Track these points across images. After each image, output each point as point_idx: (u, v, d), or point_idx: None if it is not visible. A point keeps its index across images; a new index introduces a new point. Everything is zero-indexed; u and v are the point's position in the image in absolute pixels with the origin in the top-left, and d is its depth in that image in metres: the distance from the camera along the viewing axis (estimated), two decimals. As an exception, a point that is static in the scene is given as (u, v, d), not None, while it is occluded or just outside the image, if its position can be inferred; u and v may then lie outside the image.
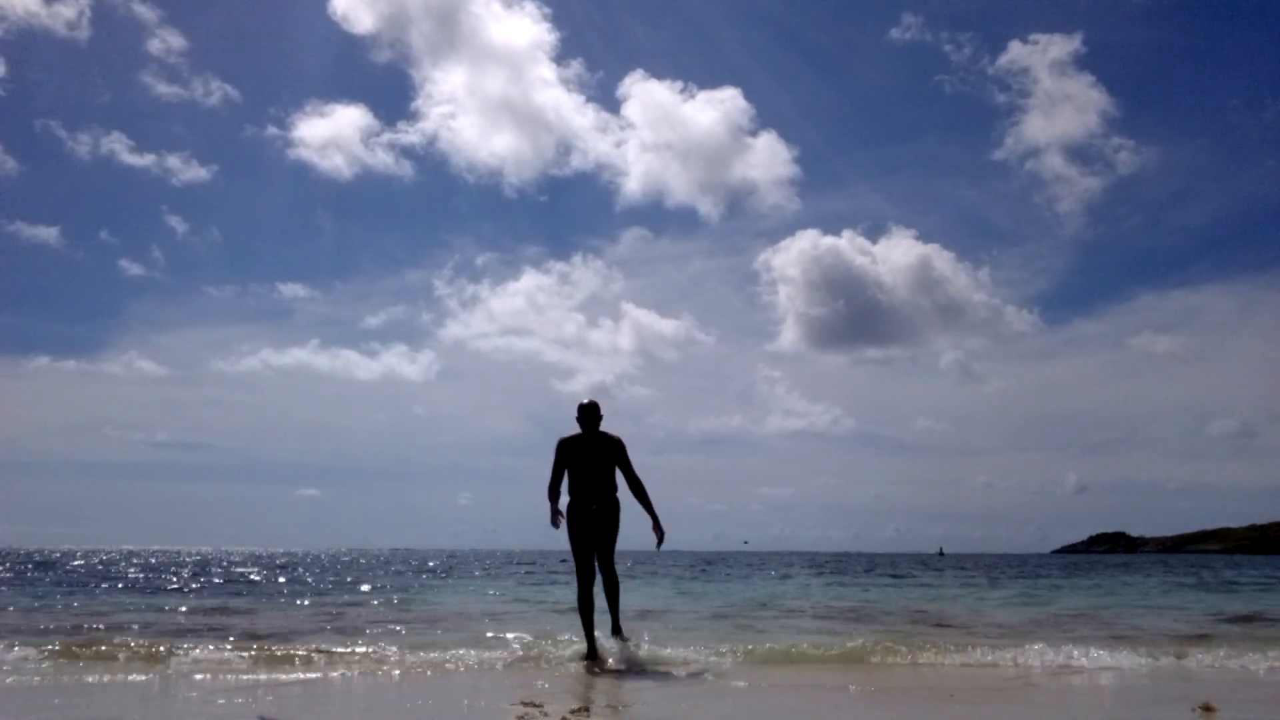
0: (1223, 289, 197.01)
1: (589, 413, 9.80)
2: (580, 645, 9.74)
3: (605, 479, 9.71)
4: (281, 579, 32.89)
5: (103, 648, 10.52)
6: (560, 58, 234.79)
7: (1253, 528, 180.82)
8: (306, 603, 20.47)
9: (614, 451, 9.81)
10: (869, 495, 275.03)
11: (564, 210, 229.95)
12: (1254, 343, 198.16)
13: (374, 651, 10.46)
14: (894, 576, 38.61)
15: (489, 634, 12.69)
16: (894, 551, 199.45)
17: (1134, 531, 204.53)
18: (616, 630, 9.87)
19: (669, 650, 10.05)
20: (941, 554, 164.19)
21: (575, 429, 9.84)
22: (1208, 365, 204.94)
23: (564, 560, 79.08)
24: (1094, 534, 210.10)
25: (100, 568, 44.03)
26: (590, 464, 9.70)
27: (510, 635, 12.31)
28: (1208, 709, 6.35)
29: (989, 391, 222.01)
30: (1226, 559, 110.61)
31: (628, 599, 11.62)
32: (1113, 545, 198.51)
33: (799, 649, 10.91)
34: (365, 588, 27.10)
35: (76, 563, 51.90)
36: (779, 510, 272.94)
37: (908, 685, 8.73)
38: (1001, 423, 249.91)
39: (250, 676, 8.98)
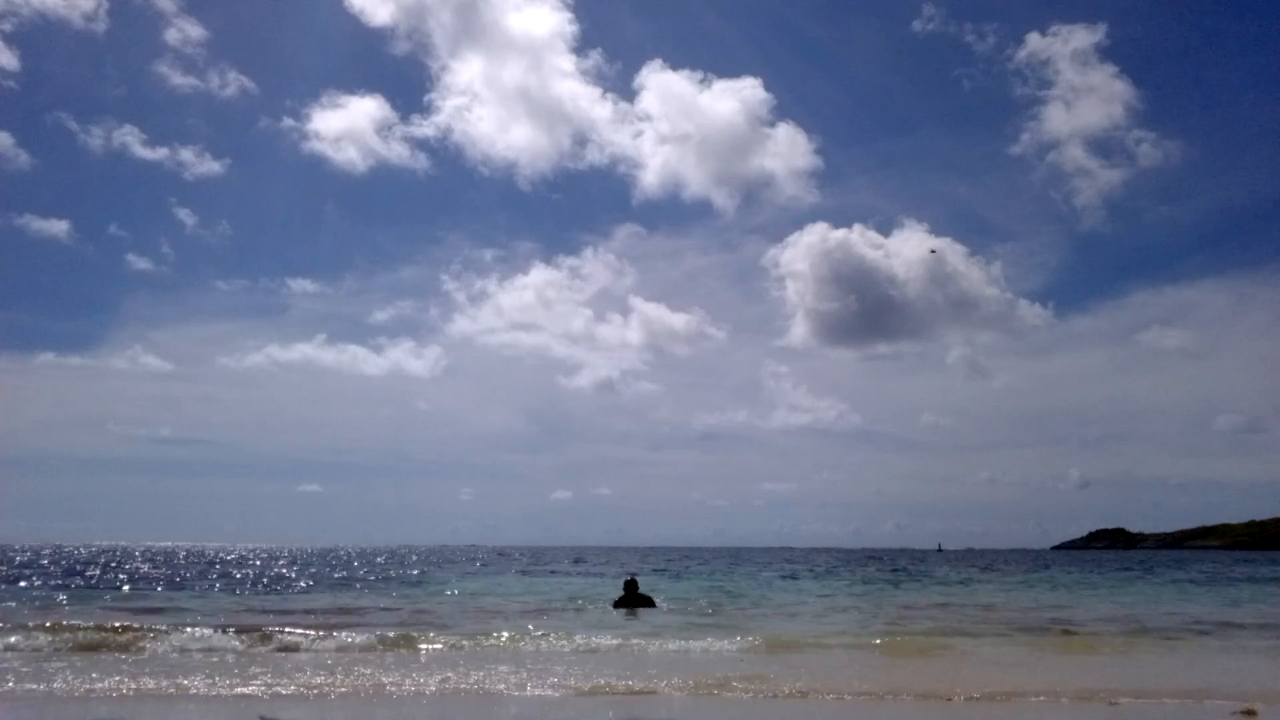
0: (1218, 285, 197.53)
1: (631, 584, 23.14)
2: None
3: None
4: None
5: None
6: (579, 49, 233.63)
7: (1252, 524, 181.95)
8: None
9: (644, 602, 22.73)
10: (870, 491, 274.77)
11: (578, 204, 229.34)
12: (1252, 338, 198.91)
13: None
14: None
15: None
16: (893, 547, 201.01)
17: (1134, 528, 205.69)
18: None
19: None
20: (940, 550, 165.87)
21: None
22: (1208, 361, 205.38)
23: (573, 555, 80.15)
24: (1094, 530, 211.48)
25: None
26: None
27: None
28: (1250, 714, 7.87)
29: (995, 386, 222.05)
30: (1227, 555, 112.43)
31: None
32: (1112, 541, 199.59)
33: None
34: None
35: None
36: (780, 506, 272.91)
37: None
38: (1006, 418, 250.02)
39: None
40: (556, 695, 10.39)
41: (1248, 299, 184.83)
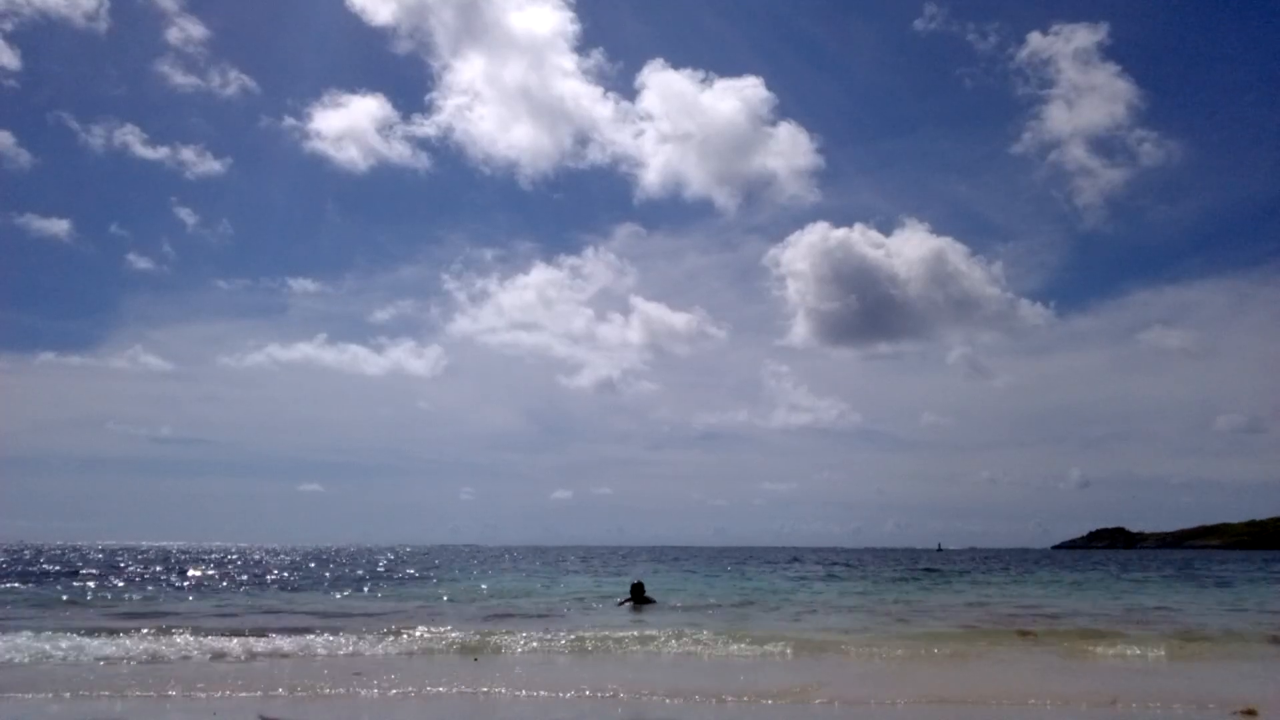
0: (1218, 285, 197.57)
1: (638, 586, 25.38)
2: None
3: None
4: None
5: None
6: (581, 48, 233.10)
7: (1252, 523, 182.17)
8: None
9: (648, 602, 24.85)
10: (871, 491, 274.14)
11: (579, 203, 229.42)
12: (1252, 338, 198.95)
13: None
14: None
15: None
16: (894, 547, 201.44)
17: (1134, 527, 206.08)
18: None
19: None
20: (940, 549, 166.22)
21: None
22: (1208, 361, 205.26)
23: (579, 554, 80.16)
24: (1094, 529, 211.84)
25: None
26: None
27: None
28: (1250, 714, 8.12)
29: (996, 386, 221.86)
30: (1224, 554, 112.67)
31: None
32: (1112, 541, 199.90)
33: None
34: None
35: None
36: (781, 506, 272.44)
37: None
38: (1007, 418, 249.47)
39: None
40: (570, 697, 10.66)
41: (1248, 299, 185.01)
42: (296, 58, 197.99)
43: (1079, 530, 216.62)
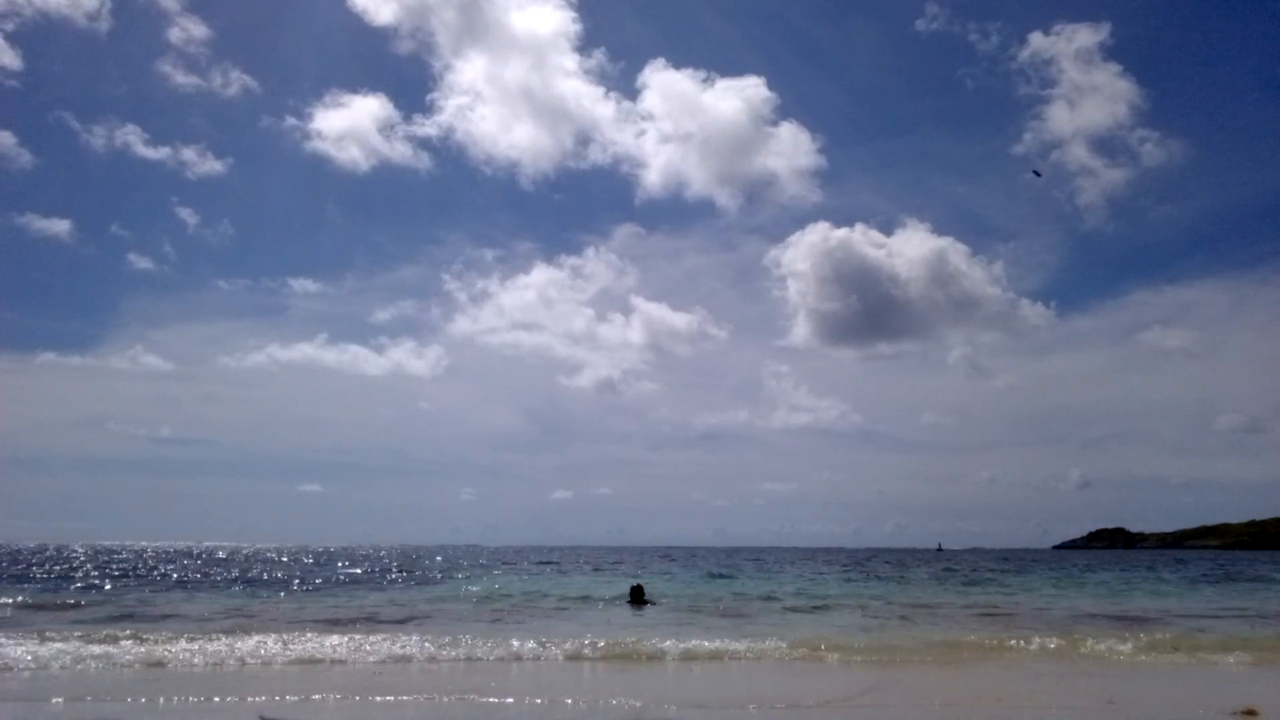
0: (1218, 285, 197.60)
1: (638, 589, 26.71)
2: None
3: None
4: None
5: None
6: (582, 48, 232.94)
7: (1252, 523, 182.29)
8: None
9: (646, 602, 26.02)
10: (871, 491, 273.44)
11: (580, 203, 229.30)
12: (1252, 338, 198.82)
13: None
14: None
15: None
16: (894, 547, 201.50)
17: (1134, 527, 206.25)
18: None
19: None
20: (940, 549, 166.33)
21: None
22: (1208, 361, 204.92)
23: (582, 555, 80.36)
24: (1094, 530, 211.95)
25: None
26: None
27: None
28: (1251, 714, 8.16)
29: (996, 386, 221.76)
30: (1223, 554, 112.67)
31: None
32: (1112, 541, 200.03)
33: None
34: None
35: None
36: (781, 506, 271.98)
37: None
38: (1007, 418, 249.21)
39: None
40: (570, 703, 10.71)
41: (1248, 299, 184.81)
42: (298, 58, 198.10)
43: (1079, 530, 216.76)
